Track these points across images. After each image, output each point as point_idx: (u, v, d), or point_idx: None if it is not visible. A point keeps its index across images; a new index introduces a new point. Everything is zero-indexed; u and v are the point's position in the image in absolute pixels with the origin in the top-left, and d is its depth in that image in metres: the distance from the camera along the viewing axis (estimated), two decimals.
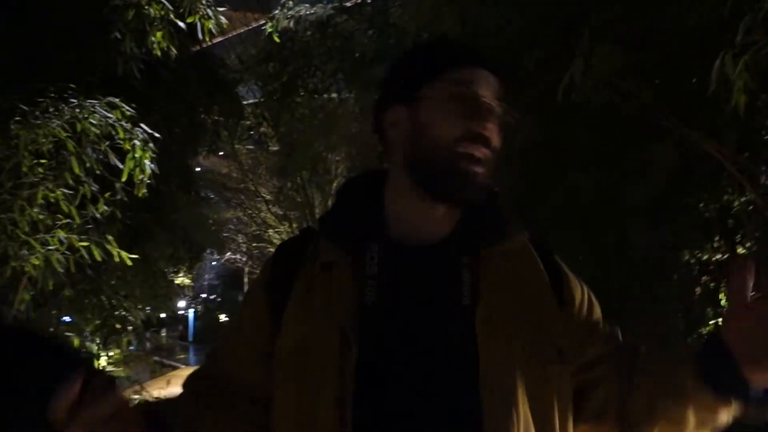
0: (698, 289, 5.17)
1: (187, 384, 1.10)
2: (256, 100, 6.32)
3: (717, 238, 4.40)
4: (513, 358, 0.94)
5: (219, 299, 33.76)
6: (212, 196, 13.62)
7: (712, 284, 5.02)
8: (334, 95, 5.10)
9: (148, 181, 3.29)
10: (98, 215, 3.35)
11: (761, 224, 3.30)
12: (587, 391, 1.00)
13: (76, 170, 3.12)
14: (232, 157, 11.24)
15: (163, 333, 27.00)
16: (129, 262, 3.55)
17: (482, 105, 0.95)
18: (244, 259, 16.87)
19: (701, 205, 3.88)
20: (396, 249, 0.99)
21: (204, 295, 35.55)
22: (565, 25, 2.95)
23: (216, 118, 5.89)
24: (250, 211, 13.21)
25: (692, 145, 2.91)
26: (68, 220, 3.26)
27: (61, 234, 3.23)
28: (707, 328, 5.45)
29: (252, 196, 12.87)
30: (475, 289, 0.96)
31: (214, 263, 26.76)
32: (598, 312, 1.06)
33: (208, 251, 14.51)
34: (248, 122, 5.66)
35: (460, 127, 0.95)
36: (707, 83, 2.08)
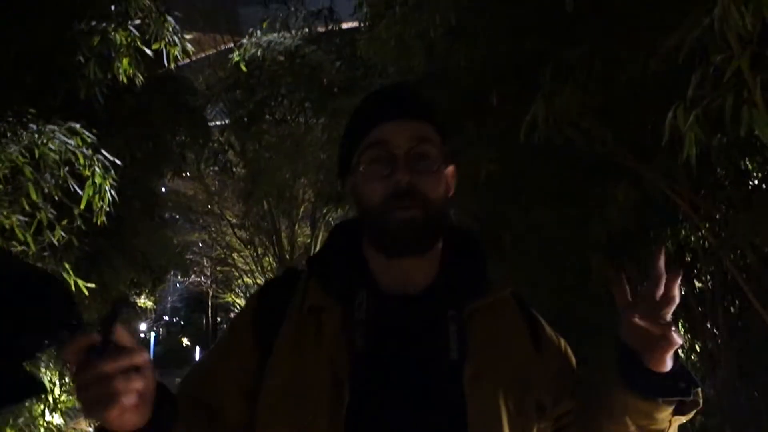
0: None
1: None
2: (223, 123, 6.29)
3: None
4: (501, 414, 0.96)
5: (182, 322, 33.15)
6: (177, 218, 13.45)
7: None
8: (301, 121, 5.10)
9: (107, 209, 3.23)
10: (55, 242, 3.27)
11: (714, 261, 3.39)
12: None
13: (33, 196, 3.05)
14: (198, 179, 11.16)
15: None
16: (86, 292, 3.46)
17: (395, 158, 0.96)
18: (209, 281, 16.67)
19: (660, 240, 3.96)
20: (383, 297, 1.00)
21: (167, 318, 34.85)
22: (529, 63, 3.01)
23: (183, 138, 5.83)
24: (215, 235, 13.08)
25: (650, 183, 2.98)
26: (23, 247, 3.18)
27: None
28: None
29: (217, 219, 12.76)
30: (462, 342, 0.98)
31: (177, 285, 26.32)
32: (572, 363, 1.08)
33: (171, 273, 14.31)
34: (215, 146, 5.60)
35: (382, 188, 0.97)
36: (663, 127, 2.15)
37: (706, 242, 3.51)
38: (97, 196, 3.15)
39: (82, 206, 3.18)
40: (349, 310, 0.99)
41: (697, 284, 4.27)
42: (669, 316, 0.87)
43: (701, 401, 0.93)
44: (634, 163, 2.99)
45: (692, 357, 5.10)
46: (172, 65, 3.53)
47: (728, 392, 3.96)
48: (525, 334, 1.04)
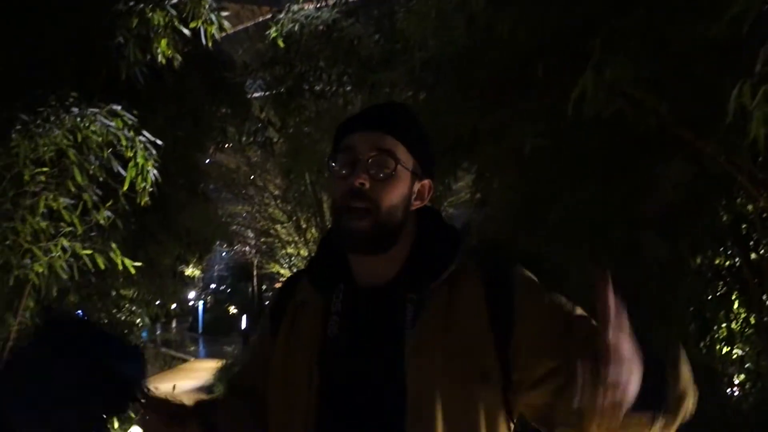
0: (710, 294, 5.10)
1: (226, 390, 1.37)
2: (263, 94, 6.26)
3: (730, 244, 4.32)
4: (437, 380, 1.07)
5: (229, 290, 33.95)
6: (222, 190, 13.64)
7: (724, 288, 4.95)
8: (340, 96, 5.03)
9: (150, 189, 3.25)
10: (102, 222, 3.32)
11: None
12: (550, 405, 1.06)
13: (78, 179, 3.09)
14: (240, 152, 11.23)
15: (174, 325, 27.20)
16: (132, 270, 3.52)
17: (356, 162, 1.10)
18: (253, 251, 16.91)
19: (715, 213, 3.80)
20: (356, 290, 1.17)
21: (213, 286, 35.75)
22: (577, 33, 2.87)
23: (224, 112, 5.85)
24: (257, 207, 13.21)
25: (705, 157, 2.83)
26: (71, 228, 3.24)
27: (64, 242, 3.21)
28: (720, 332, 5.40)
29: (260, 191, 12.88)
30: (416, 320, 1.10)
31: (224, 254, 26.89)
32: (560, 323, 1.09)
33: (217, 243, 14.57)
34: (255, 122, 5.60)
35: (342, 186, 1.11)
36: (723, 99, 2.02)
37: (765, 213, 3.36)
38: (139, 177, 3.18)
39: (125, 187, 3.21)
40: (328, 303, 1.17)
41: (753, 255, 4.11)
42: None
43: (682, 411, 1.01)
44: (692, 136, 2.85)
45: (747, 330, 4.96)
46: (209, 44, 3.49)
47: None
48: (479, 305, 1.11)
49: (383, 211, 1.10)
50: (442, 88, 3.64)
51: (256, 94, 6.41)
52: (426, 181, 1.19)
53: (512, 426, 1.14)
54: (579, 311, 1.12)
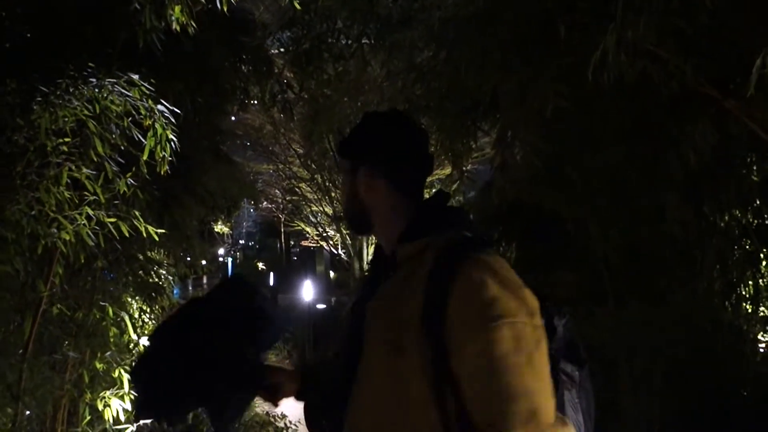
0: (737, 252, 5.02)
1: None
2: (282, 53, 6.16)
3: (758, 203, 4.22)
4: (375, 346, 1.20)
5: (257, 246, 34.40)
6: (248, 146, 13.67)
7: (752, 247, 4.86)
8: (359, 57, 4.94)
9: (170, 158, 3.27)
10: (123, 190, 3.36)
11: None
12: None
13: (99, 149, 3.12)
14: (264, 111, 11.20)
15: (205, 281, 27.74)
16: (156, 237, 3.58)
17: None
18: (280, 208, 17.04)
19: (742, 173, 3.71)
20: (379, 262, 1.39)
21: (242, 242, 36.21)
22: None
23: (246, 71, 5.80)
24: (281, 165, 13.23)
25: (732, 118, 2.75)
26: (95, 197, 3.29)
27: (89, 211, 3.27)
28: (746, 290, 5.33)
29: (284, 149, 12.88)
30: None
31: (252, 211, 27.15)
32: (472, 335, 1.08)
33: (245, 200, 14.71)
34: (274, 86, 5.54)
35: None
36: (749, 56, 1.94)
37: None
38: (158, 147, 3.19)
39: (145, 157, 3.23)
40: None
41: None
42: None
43: None
44: (718, 95, 2.76)
45: None
46: (225, 8, 3.43)
47: None
48: (417, 279, 1.16)
49: (343, 207, 1.44)
50: (462, 48, 3.56)
51: (275, 51, 6.33)
52: (360, 169, 1.34)
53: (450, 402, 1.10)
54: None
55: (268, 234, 30.59)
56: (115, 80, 3.05)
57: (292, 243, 28.92)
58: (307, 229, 14.17)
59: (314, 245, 16.33)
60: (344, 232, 11.69)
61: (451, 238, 1.18)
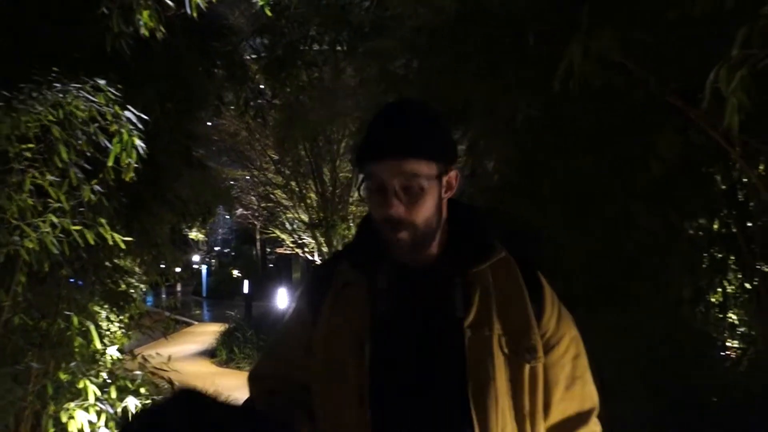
0: (705, 260, 5.10)
1: (254, 383, 1.42)
2: (257, 56, 6.12)
3: (725, 212, 4.29)
4: (494, 356, 1.20)
5: (233, 253, 34.10)
6: (221, 155, 13.57)
7: (719, 255, 4.94)
8: (332, 65, 4.93)
9: (136, 165, 3.23)
10: (88, 198, 3.30)
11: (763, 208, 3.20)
12: None
13: (64, 155, 3.06)
14: (239, 117, 11.13)
15: (179, 288, 27.44)
16: (122, 246, 3.52)
17: (387, 192, 1.19)
18: (256, 213, 16.90)
19: (708, 181, 3.77)
20: (401, 268, 1.26)
21: (218, 248, 35.88)
22: (568, 1, 2.80)
23: (220, 75, 5.75)
24: (256, 172, 13.16)
25: (696, 128, 2.79)
26: (59, 204, 3.23)
27: (53, 218, 3.20)
28: (715, 297, 5.42)
29: (260, 155, 12.81)
30: (466, 303, 1.23)
31: (227, 217, 26.93)
32: (565, 327, 1.31)
33: (220, 207, 14.55)
34: (247, 95, 5.51)
35: (379, 212, 1.22)
36: (709, 68, 1.97)
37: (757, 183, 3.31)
38: (124, 153, 3.14)
39: (110, 163, 3.18)
40: (373, 281, 1.26)
41: (749, 224, 4.10)
42: None
43: None
44: (682, 105, 2.80)
45: (741, 295, 4.97)
46: (194, 14, 3.40)
47: None
48: (522, 289, 1.27)
49: (420, 226, 1.22)
50: (433, 56, 3.57)
51: (248, 57, 6.29)
52: (452, 172, 1.27)
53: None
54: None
55: (243, 241, 30.36)
56: (80, 85, 3.00)
57: (268, 250, 28.74)
58: (283, 236, 14.09)
59: (290, 252, 16.26)
60: (320, 239, 11.66)
61: (512, 252, 1.32)
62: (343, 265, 1.33)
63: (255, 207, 15.83)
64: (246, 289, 15.88)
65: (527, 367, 1.23)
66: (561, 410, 1.30)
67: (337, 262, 1.36)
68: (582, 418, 1.31)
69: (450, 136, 1.30)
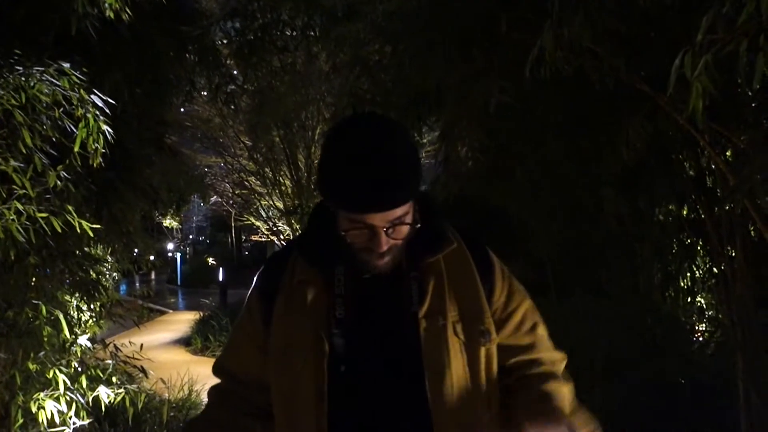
0: (675, 246, 5.19)
1: (217, 373, 1.45)
2: (228, 40, 6.02)
3: (693, 197, 4.36)
4: (448, 342, 1.22)
5: (207, 241, 33.84)
6: (194, 142, 13.40)
7: (688, 240, 5.03)
8: (303, 50, 4.87)
9: (103, 150, 3.16)
10: (54, 184, 3.23)
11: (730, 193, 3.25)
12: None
13: (28, 141, 2.98)
14: (211, 102, 10.97)
15: (153, 277, 27.13)
16: (91, 233, 3.45)
17: (376, 233, 1.18)
18: (230, 201, 16.76)
19: (677, 168, 3.82)
20: (357, 271, 1.25)
21: (192, 236, 35.53)
22: None
23: (191, 61, 5.64)
24: (230, 159, 13.02)
25: (664, 115, 2.82)
26: (24, 191, 3.15)
27: (18, 205, 3.13)
28: (684, 281, 5.52)
29: (233, 142, 12.68)
30: (422, 295, 1.25)
31: (201, 205, 26.66)
32: (517, 300, 1.36)
33: (195, 196, 14.41)
34: (218, 80, 5.41)
35: (363, 246, 1.20)
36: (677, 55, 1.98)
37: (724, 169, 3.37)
38: (91, 138, 3.07)
39: (76, 148, 3.11)
40: (330, 282, 1.26)
41: (716, 210, 4.16)
42: None
43: None
44: (651, 92, 2.82)
45: (710, 280, 5.07)
46: None
47: (743, 316, 3.94)
48: (474, 274, 1.30)
49: (400, 246, 1.24)
50: (406, 42, 3.55)
51: (219, 42, 6.18)
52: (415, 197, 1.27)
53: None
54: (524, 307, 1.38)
55: (218, 229, 30.14)
56: (43, 68, 2.92)
57: (243, 237, 28.55)
58: (258, 223, 13.99)
59: (265, 239, 16.16)
60: (295, 226, 11.60)
61: (463, 236, 1.35)
62: (297, 259, 1.32)
63: (229, 194, 15.70)
64: (221, 277, 15.76)
65: (482, 350, 1.27)
66: (522, 374, 1.36)
67: (287, 257, 1.35)
68: (544, 378, 1.35)
69: (418, 156, 1.24)
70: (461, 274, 1.30)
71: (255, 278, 1.41)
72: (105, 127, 3.17)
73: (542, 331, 1.39)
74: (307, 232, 1.36)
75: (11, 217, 3.10)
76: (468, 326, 1.26)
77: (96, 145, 3.08)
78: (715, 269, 4.58)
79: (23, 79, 2.85)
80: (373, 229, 1.18)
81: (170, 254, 29.57)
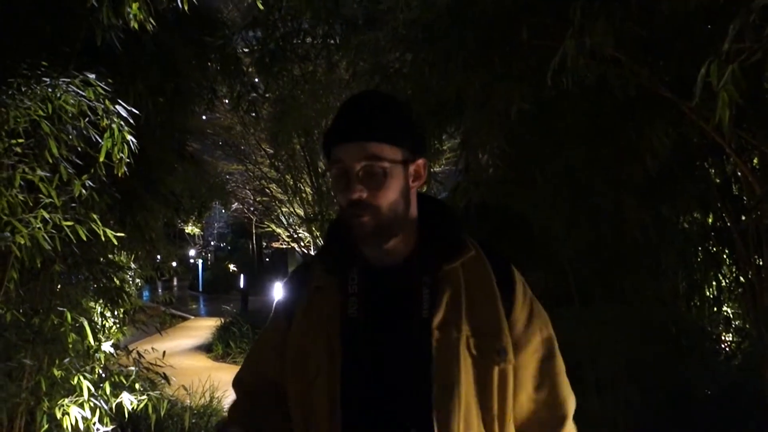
0: (700, 254, 5.10)
1: (236, 387, 1.48)
2: (250, 49, 6.07)
3: (719, 205, 4.29)
4: (460, 356, 1.19)
5: (229, 248, 34.08)
6: (216, 149, 13.52)
7: (714, 248, 4.94)
8: (324, 58, 4.90)
9: (128, 160, 3.20)
10: (79, 193, 3.28)
11: (757, 202, 3.19)
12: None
13: (54, 150, 3.03)
14: (233, 111, 11.07)
15: (175, 283, 27.39)
16: (115, 241, 3.50)
17: (348, 175, 1.19)
18: (251, 208, 16.87)
19: (701, 175, 3.76)
20: (371, 271, 1.27)
21: (214, 243, 35.81)
22: None
23: (213, 68, 5.71)
24: (251, 166, 13.12)
25: (688, 122, 2.78)
26: (51, 200, 3.20)
27: (44, 214, 3.18)
28: (710, 290, 5.42)
29: (253, 149, 12.77)
30: (433, 302, 1.22)
31: (223, 211, 26.88)
32: (538, 325, 1.30)
33: (216, 202, 14.51)
34: (240, 89, 5.46)
35: (342, 197, 1.21)
36: (702, 62, 1.95)
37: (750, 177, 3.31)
38: (116, 148, 3.12)
39: (101, 158, 3.16)
40: (344, 285, 1.27)
41: (743, 217, 4.09)
42: None
43: None
44: (675, 98, 2.78)
45: (736, 289, 4.97)
46: (185, 6, 3.37)
47: None
48: (494, 288, 1.25)
49: (384, 210, 1.20)
50: (426, 49, 3.55)
51: (240, 50, 6.24)
52: (420, 160, 1.26)
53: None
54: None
55: (239, 235, 30.33)
56: (69, 80, 2.97)
57: (264, 244, 28.71)
58: (278, 230, 14.07)
59: (286, 246, 16.24)
60: (315, 233, 11.64)
61: (485, 248, 1.31)
62: (316, 270, 1.33)
63: (250, 201, 15.81)
64: (242, 284, 15.86)
65: (496, 369, 1.22)
66: (529, 411, 1.29)
67: (311, 266, 1.37)
68: (552, 424, 1.30)
69: (415, 126, 1.29)
70: (480, 286, 1.26)
71: (282, 289, 1.45)
72: (129, 138, 3.22)
73: (556, 365, 1.32)
74: (324, 243, 1.40)
75: (37, 226, 3.15)
76: (482, 342, 1.22)
77: (120, 155, 3.12)
78: (741, 278, 4.50)
79: (50, 90, 2.90)
80: (346, 172, 1.19)
81: (192, 260, 29.84)
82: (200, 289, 27.41)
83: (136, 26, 3.18)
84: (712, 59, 1.63)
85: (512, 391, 1.24)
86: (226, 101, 7.21)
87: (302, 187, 11.68)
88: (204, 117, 11.07)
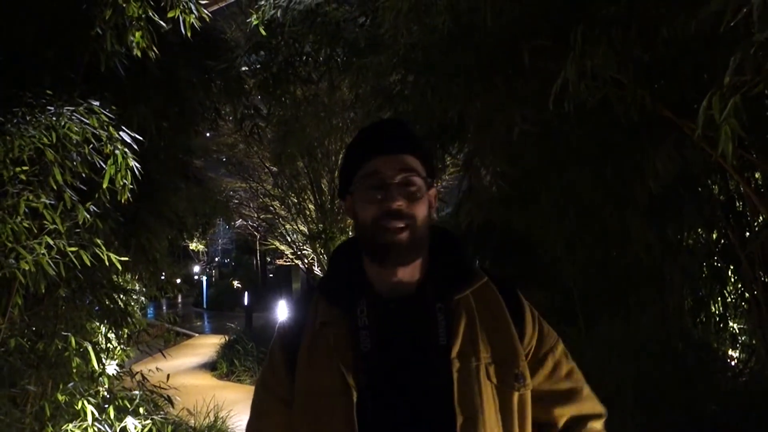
0: (705, 271, 5.08)
1: None
2: (252, 72, 6.11)
3: (723, 222, 4.28)
4: (481, 385, 1.17)
5: (233, 264, 34.06)
6: (220, 167, 13.58)
7: (718, 265, 4.93)
8: (327, 81, 4.93)
9: (131, 186, 3.21)
10: (83, 220, 3.29)
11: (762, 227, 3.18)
12: None
13: (58, 178, 3.05)
14: (236, 129, 11.12)
15: (179, 300, 27.37)
16: (119, 266, 3.50)
17: (388, 186, 1.18)
18: (255, 225, 16.88)
19: (705, 194, 3.76)
20: (380, 302, 1.23)
21: (218, 259, 35.81)
22: (560, 21, 2.80)
23: (217, 88, 5.74)
24: (255, 183, 13.15)
25: (691, 144, 2.78)
26: (55, 226, 3.21)
27: (49, 240, 3.19)
28: (715, 307, 5.39)
29: (257, 167, 12.81)
30: (450, 329, 1.19)
31: (227, 228, 26.91)
32: (549, 343, 1.31)
33: (220, 219, 14.52)
34: (243, 111, 5.49)
35: (375, 209, 1.19)
36: (703, 86, 1.96)
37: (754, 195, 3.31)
38: (119, 174, 3.13)
39: (105, 184, 3.17)
40: (353, 318, 1.21)
41: (747, 233, 4.08)
42: None
43: None
44: (677, 119, 2.79)
45: (742, 305, 4.95)
46: (189, 33, 3.40)
47: None
48: (506, 314, 1.25)
49: (419, 223, 1.20)
50: (428, 72, 3.57)
51: (244, 69, 6.28)
52: (432, 190, 1.28)
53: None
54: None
55: (244, 252, 30.33)
56: (73, 108, 2.99)
57: (268, 260, 28.71)
58: (282, 247, 14.07)
59: (289, 263, 16.23)
60: (319, 250, 11.63)
61: (490, 275, 1.30)
62: (318, 303, 1.28)
63: (254, 218, 15.82)
64: (246, 301, 15.83)
65: (516, 395, 1.21)
66: (567, 419, 1.30)
67: (310, 301, 1.31)
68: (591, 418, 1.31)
69: (431, 155, 1.33)
70: (492, 313, 1.25)
71: (276, 330, 1.36)
72: (133, 163, 3.23)
73: (580, 377, 1.33)
74: (327, 274, 1.34)
75: (42, 252, 3.16)
76: (501, 369, 1.20)
77: (124, 180, 3.13)
78: (747, 294, 4.48)
79: (54, 118, 2.92)
80: (384, 184, 1.18)
81: (196, 277, 29.83)
82: (204, 306, 27.34)
83: (139, 54, 3.20)
84: (714, 91, 1.63)
85: (530, 414, 1.23)
86: (230, 118, 7.23)
87: (306, 205, 11.70)
88: (208, 134, 11.12)
